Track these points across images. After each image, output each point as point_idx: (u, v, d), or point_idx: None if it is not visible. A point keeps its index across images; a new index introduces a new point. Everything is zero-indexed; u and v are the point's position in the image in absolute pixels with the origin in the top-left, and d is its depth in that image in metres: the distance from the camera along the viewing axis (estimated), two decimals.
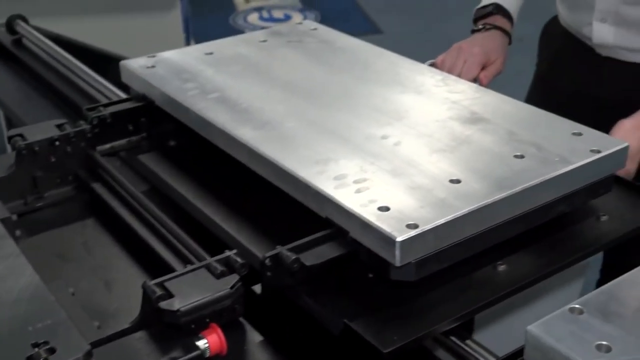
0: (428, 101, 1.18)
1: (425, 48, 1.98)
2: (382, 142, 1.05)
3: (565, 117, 1.10)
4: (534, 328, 0.74)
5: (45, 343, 0.77)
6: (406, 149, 1.03)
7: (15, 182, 1.19)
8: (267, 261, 0.91)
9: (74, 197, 1.24)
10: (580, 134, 1.05)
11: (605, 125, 1.15)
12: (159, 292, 0.86)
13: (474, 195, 0.91)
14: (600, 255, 1.80)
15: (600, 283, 1.81)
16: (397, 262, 0.85)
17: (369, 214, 0.88)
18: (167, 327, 0.86)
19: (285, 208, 1.03)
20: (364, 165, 0.99)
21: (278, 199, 1.03)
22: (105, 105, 1.29)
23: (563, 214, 1.01)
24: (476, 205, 0.89)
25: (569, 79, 1.71)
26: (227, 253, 0.92)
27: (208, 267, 0.91)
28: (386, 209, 0.89)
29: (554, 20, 1.82)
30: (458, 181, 0.94)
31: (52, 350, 0.76)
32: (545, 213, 0.98)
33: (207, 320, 0.86)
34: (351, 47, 1.41)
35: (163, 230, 1.07)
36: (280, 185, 1.02)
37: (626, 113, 1.59)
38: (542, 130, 1.06)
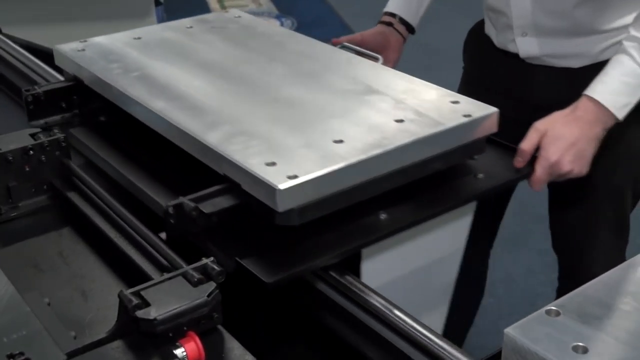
0: (332, 76, 1.29)
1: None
2: (281, 108, 1.17)
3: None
4: (511, 330, 0.74)
5: (21, 354, 0.76)
6: (302, 114, 1.15)
7: None
8: (170, 209, 0.99)
9: (49, 207, 1.23)
10: (457, 102, 1.17)
11: None
12: (135, 301, 0.85)
13: (352, 152, 1.03)
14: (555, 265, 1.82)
15: (559, 291, 1.84)
16: (279, 208, 0.97)
17: (257, 169, 0.99)
18: (144, 336, 0.86)
19: (193, 168, 1.12)
20: (261, 126, 1.11)
21: (188, 160, 1.12)
22: (41, 86, 1.39)
23: (443, 171, 1.14)
24: (352, 161, 1.01)
25: (500, 84, 1.73)
26: (204, 261, 0.92)
27: (185, 275, 0.90)
28: (273, 164, 1.00)
29: (480, 26, 1.83)
30: (341, 141, 1.05)
31: None
32: (421, 169, 1.10)
33: (185, 328, 0.86)
34: (270, 32, 1.51)
35: (139, 239, 1.07)
36: (187, 148, 1.12)
37: None
38: (426, 100, 1.18)
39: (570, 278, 1.76)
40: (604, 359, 0.70)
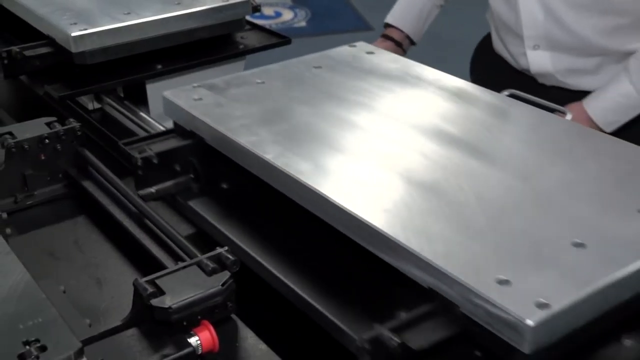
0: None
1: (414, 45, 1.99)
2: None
3: None
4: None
5: (36, 341, 0.76)
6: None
7: (5, 180, 1.18)
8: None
9: (64, 195, 1.23)
10: None
11: None
12: (150, 289, 0.86)
13: (135, 17, 1.41)
14: None
15: None
16: (72, 50, 1.32)
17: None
18: (158, 325, 0.86)
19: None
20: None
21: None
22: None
23: (215, 42, 1.55)
24: (131, 22, 1.40)
25: None
26: (219, 250, 0.92)
27: (199, 264, 0.90)
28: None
29: (487, 40, 1.76)
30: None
31: (43, 348, 0.75)
32: (190, 34, 1.49)
33: (199, 317, 0.86)
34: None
35: (154, 228, 1.07)
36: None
37: None
38: None
39: None
40: None
